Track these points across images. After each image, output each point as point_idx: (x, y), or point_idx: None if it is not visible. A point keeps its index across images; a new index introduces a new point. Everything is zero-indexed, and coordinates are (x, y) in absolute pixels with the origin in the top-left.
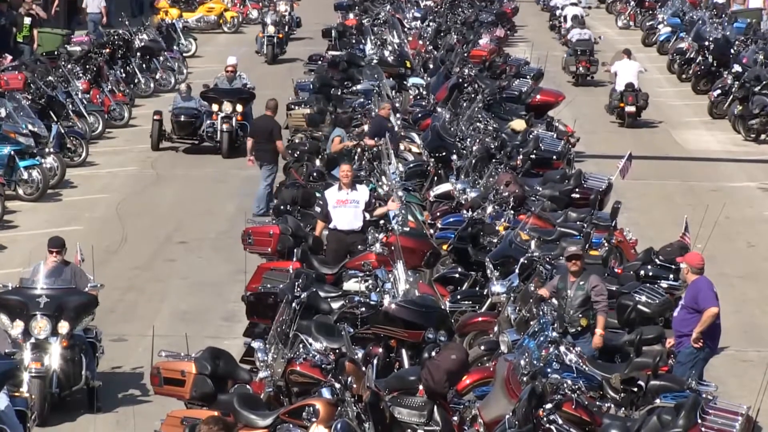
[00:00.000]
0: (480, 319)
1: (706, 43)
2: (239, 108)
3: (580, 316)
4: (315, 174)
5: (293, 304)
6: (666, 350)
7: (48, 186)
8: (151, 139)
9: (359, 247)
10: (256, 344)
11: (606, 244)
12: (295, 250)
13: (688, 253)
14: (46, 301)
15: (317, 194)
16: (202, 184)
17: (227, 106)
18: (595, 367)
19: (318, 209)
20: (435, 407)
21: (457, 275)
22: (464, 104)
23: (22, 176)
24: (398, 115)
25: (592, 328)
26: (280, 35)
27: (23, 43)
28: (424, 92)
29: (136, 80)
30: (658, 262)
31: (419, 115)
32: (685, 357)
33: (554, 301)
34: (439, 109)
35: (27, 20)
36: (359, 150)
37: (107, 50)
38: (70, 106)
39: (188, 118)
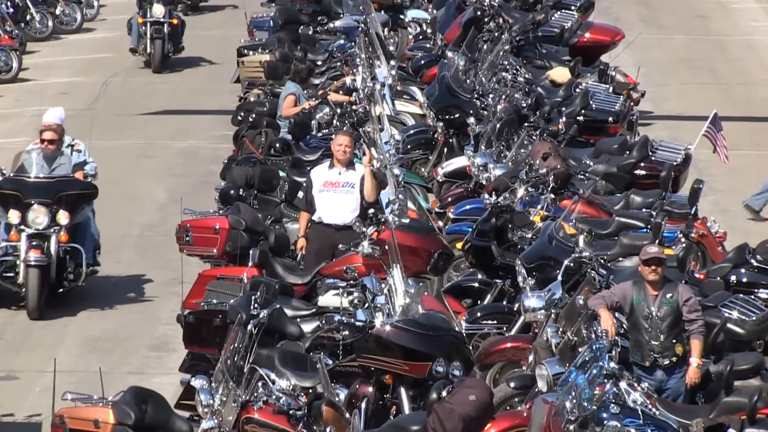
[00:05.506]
0: (509, 345)
1: None
2: (63, 219)
3: (674, 341)
4: (278, 145)
5: (249, 327)
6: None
7: None
8: None
9: (340, 246)
10: (197, 382)
11: (683, 240)
12: (251, 251)
13: None
14: None
15: (281, 173)
16: (120, 160)
17: (38, 215)
18: (668, 410)
19: (302, 195)
20: None
21: (476, 284)
22: (484, 47)
23: None
24: (393, 63)
25: (686, 356)
26: (174, 21)
27: None
28: (429, 30)
29: (28, 17)
30: (756, 264)
31: (422, 63)
32: None
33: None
34: (449, 54)
35: None
36: (338, 110)
37: None
38: None
39: None
